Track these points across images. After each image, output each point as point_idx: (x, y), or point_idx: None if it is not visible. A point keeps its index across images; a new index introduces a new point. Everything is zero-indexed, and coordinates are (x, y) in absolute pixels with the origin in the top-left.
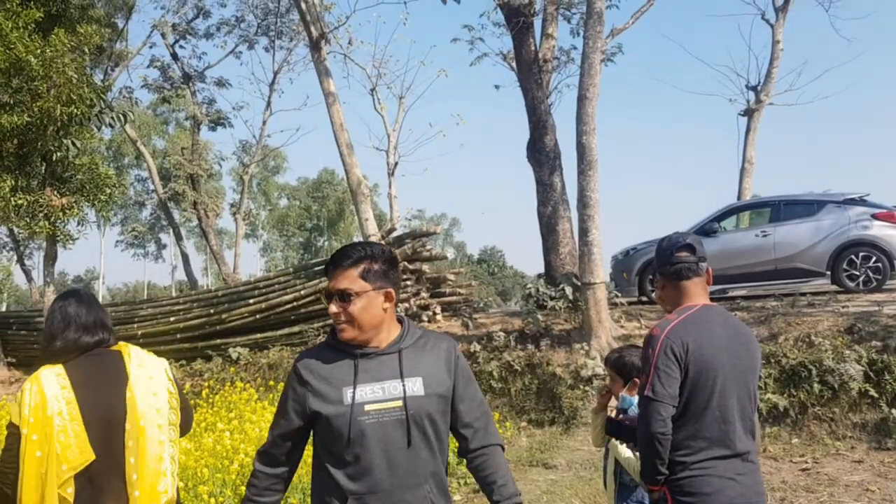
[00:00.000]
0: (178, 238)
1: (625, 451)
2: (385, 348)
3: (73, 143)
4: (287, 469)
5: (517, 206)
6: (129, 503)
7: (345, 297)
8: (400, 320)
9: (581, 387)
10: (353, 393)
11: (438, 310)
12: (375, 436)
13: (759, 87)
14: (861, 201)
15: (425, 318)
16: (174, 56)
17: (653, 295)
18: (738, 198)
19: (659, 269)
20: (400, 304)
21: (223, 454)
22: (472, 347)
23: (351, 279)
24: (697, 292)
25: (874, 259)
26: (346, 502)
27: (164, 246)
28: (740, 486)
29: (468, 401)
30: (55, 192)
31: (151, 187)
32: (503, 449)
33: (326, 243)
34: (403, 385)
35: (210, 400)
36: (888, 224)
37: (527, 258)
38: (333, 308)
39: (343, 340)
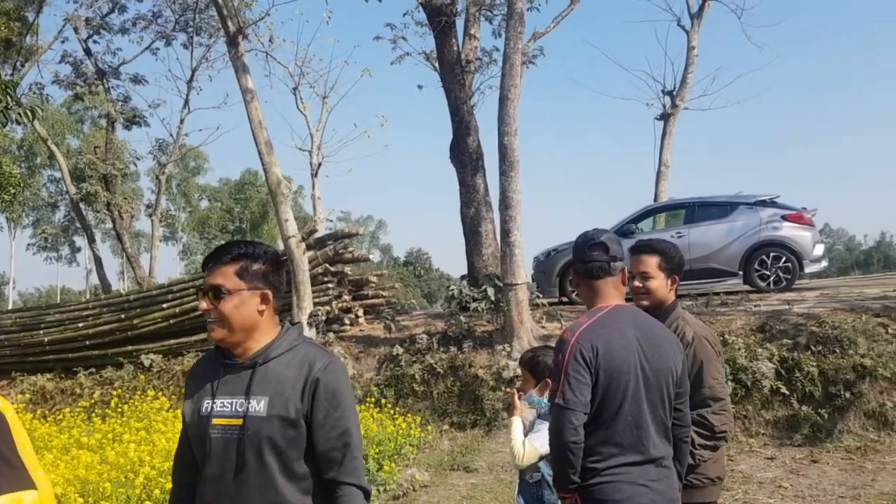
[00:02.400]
0: (91, 241)
1: (517, 433)
2: (247, 359)
3: None
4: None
5: (443, 208)
6: None
7: (217, 293)
8: (283, 327)
9: (503, 388)
10: (210, 404)
11: (361, 312)
12: (217, 453)
13: (674, 92)
14: (772, 203)
15: (347, 321)
16: (87, 52)
17: (574, 295)
18: (655, 200)
19: (574, 267)
20: (321, 307)
21: (128, 467)
22: (394, 350)
23: (225, 276)
24: (610, 292)
25: (784, 259)
26: None
27: (79, 249)
28: (652, 492)
29: (326, 429)
30: None
31: (64, 188)
32: (365, 493)
33: None
34: (248, 403)
35: (119, 409)
36: (797, 225)
37: (453, 260)
38: (204, 304)
39: (213, 340)
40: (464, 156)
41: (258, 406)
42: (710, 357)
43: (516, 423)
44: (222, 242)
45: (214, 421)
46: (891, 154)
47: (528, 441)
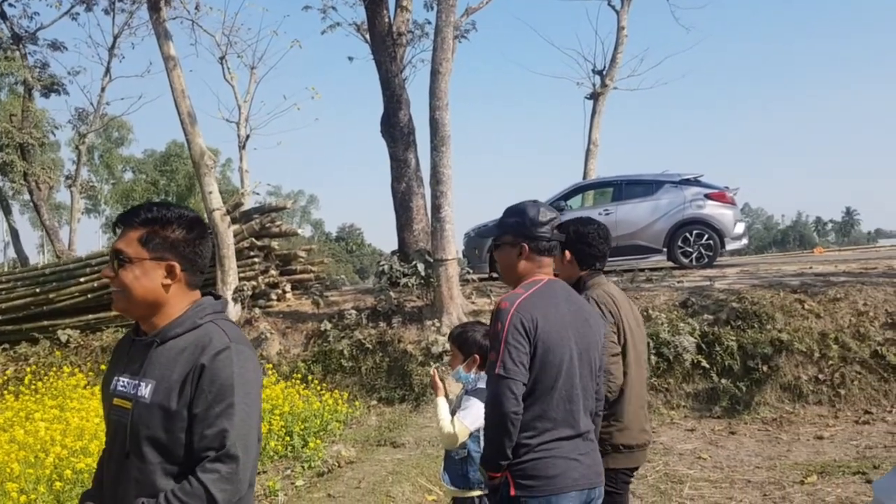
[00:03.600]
0: (7, 212)
1: (444, 413)
2: (149, 336)
3: None
4: None
5: (375, 183)
6: None
7: (120, 260)
8: (194, 304)
9: (431, 363)
10: (115, 382)
11: (288, 287)
12: (110, 434)
13: (604, 72)
14: (696, 182)
15: (274, 297)
16: (2, 15)
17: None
18: (584, 177)
19: (524, 237)
20: (247, 282)
21: (38, 447)
22: (322, 326)
23: (129, 241)
24: (547, 269)
25: (706, 237)
26: None
27: None
28: (583, 466)
29: (202, 425)
30: None
31: None
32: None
33: None
34: (138, 386)
35: (33, 386)
36: (720, 203)
37: (385, 236)
38: (106, 271)
39: (116, 311)
40: (395, 130)
41: (144, 391)
42: None
43: (442, 403)
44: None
45: (114, 400)
46: (809, 138)
47: (458, 419)
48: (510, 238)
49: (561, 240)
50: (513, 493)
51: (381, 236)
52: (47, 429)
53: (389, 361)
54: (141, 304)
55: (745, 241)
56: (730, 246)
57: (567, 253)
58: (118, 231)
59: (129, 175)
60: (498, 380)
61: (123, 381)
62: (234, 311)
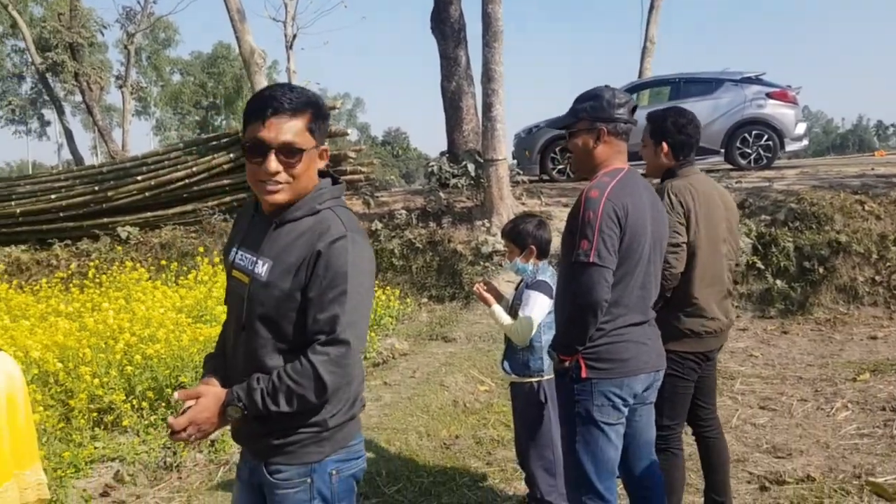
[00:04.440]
0: (60, 112)
1: (504, 318)
2: (270, 215)
3: None
4: None
5: (420, 86)
6: None
7: (291, 152)
8: (317, 188)
9: (481, 263)
10: (235, 253)
11: None
12: (230, 303)
13: None
14: (757, 80)
15: None
16: None
17: (553, 173)
18: (640, 76)
19: (601, 119)
20: None
21: (108, 334)
22: (373, 226)
23: (297, 131)
24: (625, 156)
25: (766, 137)
26: None
27: (48, 123)
28: (651, 350)
29: (315, 309)
30: None
31: (30, 59)
32: (322, 385)
33: (224, 122)
34: (255, 263)
35: (97, 280)
36: (781, 103)
37: (431, 140)
38: (273, 166)
39: (269, 203)
40: (445, 26)
41: (261, 269)
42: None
43: (498, 310)
44: (196, 119)
45: (233, 272)
46: (871, 41)
47: (523, 316)
48: (586, 123)
49: (634, 123)
50: (584, 375)
51: (427, 141)
52: (115, 317)
53: (439, 261)
54: (302, 193)
55: (805, 142)
56: (790, 147)
57: (664, 144)
58: (267, 118)
59: (176, 77)
60: (591, 267)
61: (241, 255)
62: None
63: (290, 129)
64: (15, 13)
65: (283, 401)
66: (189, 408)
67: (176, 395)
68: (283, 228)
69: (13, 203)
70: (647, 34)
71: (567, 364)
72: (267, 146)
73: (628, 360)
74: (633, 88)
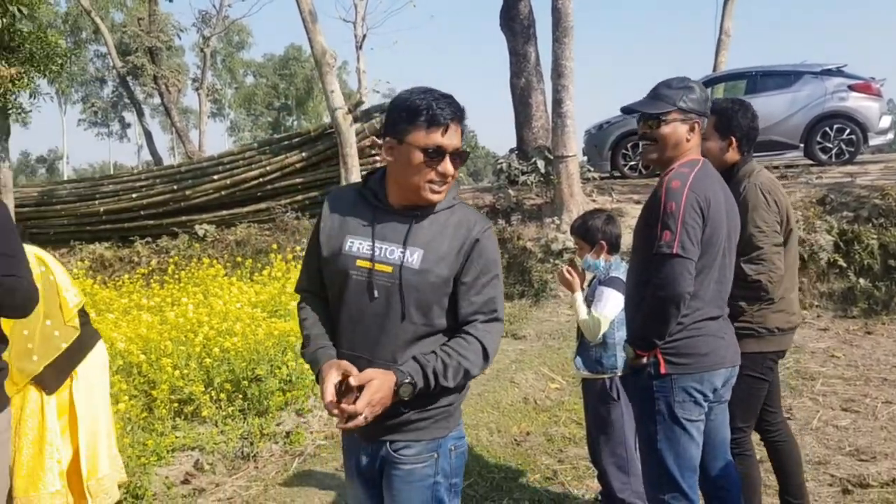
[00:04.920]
0: (140, 114)
1: (582, 310)
2: (401, 207)
3: (19, 9)
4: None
5: (488, 85)
6: None
7: (461, 156)
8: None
9: (551, 260)
10: (355, 243)
11: None
12: (356, 294)
13: None
14: (838, 72)
15: None
16: None
17: (624, 169)
18: (714, 70)
19: (696, 112)
20: None
21: (187, 327)
22: None
23: (459, 135)
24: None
25: (848, 131)
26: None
27: (129, 125)
28: (729, 344)
29: (472, 293)
30: (2, 63)
31: (111, 63)
32: (485, 354)
33: (295, 122)
34: (403, 253)
35: (176, 276)
36: (864, 95)
37: (499, 138)
38: (451, 169)
39: (431, 201)
40: (515, 23)
41: (412, 258)
42: (757, 205)
43: (580, 300)
44: (268, 120)
45: (359, 262)
46: None
47: (596, 311)
48: (680, 114)
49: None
50: (664, 371)
51: (495, 138)
52: (195, 311)
53: (509, 258)
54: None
55: (890, 135)
56: (873, 141)
57: (733, 138)
58: (446, 126)
59: (250, 79)
60: (673, 259)
61: (378, 247)
62: None
63: (459, 135)
64: (97, 19)
65: (451, 376)
66: (343, 394)
67: (352, 380)
68: (424, 221)
69: (97, 202)
70: (721, 26)
71: (644, 360)
72: (445, 151)
73: (708, 355)
74: (708, 82)
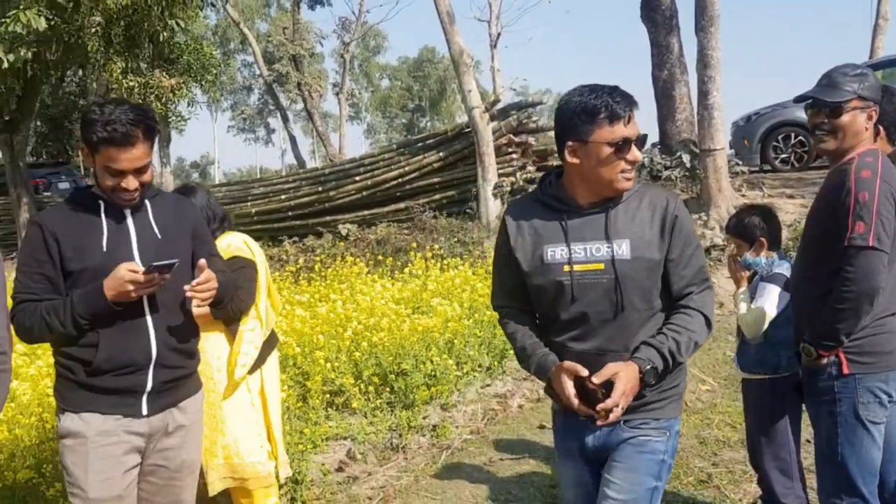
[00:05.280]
0: (285, 120)
1: (743, 305)
2: (589, 204)
3: (178, 24)
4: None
5: (623, 79)
6: None
7: (643, 140)
8: None
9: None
10: (559, 251)
11: None
12: (574, 297)
13: None
14: None
15: None
16: None
17: (775, 162)
18: (870, 57)
19: (873, 100)
20: (506, 178)
21: (337, 322)
22: None
23: (636, 121)
24: None
25: None
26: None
27: (273, 130)
28: None
29: (681, 266)
30: (164, 74)
31: (257, 71)
32: (708, 323)
33: (429, 123)
34: (611, 247)
35: (322, 273)
36: None
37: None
38: (639, 154)
39: (626, 189)
40: (656, 13)
41: (621, 250)
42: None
43: (744, 295)
44: (403, 122)
45: (566, 268)
46: None
47: (755, 306)
48: (860, 102)
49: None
50: (846, 371)
51: None
52: (344, 307)
53: None
54: None
55: None
56: None
57: (881, 128)
58: (627, 116)
59: (385, 82)
60: (870, 251)
61: (579, 249)
62: (494, 206)
63: (636, 122)
64: (245, 29)
65: (685, 351)
66: (584, 394)
67: (594, 379)
68: (618, 211)
69: (249, 203)
70: (878, 10)
71: (825, 360)
72: (631, 140)
73: (893, 353)
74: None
